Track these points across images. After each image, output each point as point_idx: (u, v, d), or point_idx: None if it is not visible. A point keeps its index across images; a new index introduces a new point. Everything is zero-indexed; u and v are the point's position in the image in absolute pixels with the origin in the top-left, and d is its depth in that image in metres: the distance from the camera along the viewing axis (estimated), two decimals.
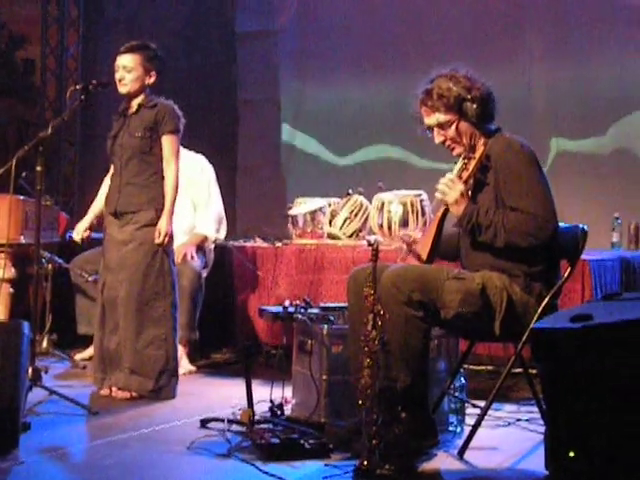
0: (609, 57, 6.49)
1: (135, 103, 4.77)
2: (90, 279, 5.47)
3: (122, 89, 4.74)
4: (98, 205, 5.11)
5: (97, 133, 7.29)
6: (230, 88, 7.92)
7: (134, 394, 4.65)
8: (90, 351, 5.57)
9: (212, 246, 5.79)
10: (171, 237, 4.67)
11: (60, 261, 5.77)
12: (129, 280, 4.65)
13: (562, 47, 6.67)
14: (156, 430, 4.05)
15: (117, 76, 4.73)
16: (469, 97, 3.74)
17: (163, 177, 4.70)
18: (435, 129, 3.82)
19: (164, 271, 4.70)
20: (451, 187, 3.71)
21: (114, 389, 4.68)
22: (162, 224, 4.63)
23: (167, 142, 4.71)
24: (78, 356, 5.60)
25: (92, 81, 4.76)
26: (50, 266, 5.69)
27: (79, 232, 5.15)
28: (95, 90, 4.73)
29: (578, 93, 6.58)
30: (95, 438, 3.97)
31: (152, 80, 4.76)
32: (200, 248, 5.64)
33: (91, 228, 5.13)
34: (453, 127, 3.78)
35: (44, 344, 5.62)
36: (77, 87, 4.79)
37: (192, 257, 5.47)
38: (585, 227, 3.88)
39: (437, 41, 6.93)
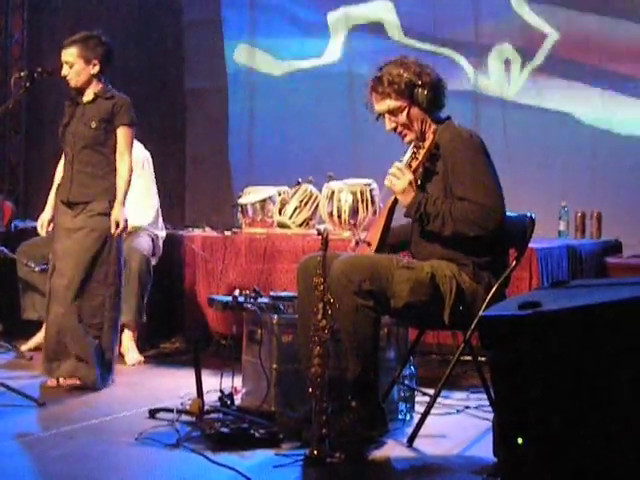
0: None
1: (90, 92, 4.70)
2: (37, 269, 5.38)
3: (70, 84, 4.70)
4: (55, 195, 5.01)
5: (44, 121, 7.19)
6: (179, 77, 7.86)
7: (79, 382, 4.59)
8: (35, 341, 5.50)
9: (163, 234, 5.70)
10: (125, 227, 4.63)
11: (5, 251, 5.68)
12: (73, 265, 4.57)
13: None
14: (104, 421, 4.01)
15: (63, 72, 4.68)
16: (420, 83, 3.75)
17: (116, 168, 4.65)
18: (386, 115, 3.82)
19: (109, 260, 4.63)
20: (400, 176, 3.71)
21: (61, 379, 4.62)
22: (117, 215, 4.58)
23: (122, 134, 4.66)
24: (24, 347, 5.52)
25: (37, 68, 4.71)
26: None
27: (43, 226, 5.06)
28: (40, 77, 4.69)
29: None
30: (42, 430, 3.93)
31: (97, 69, 4.67)
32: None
33: (53, 220, 5.00)
34: (404, 113, 3.78)
35: None
36: (22, 74, 4.74)
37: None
38: (533, 215, 3.91)
39: None
